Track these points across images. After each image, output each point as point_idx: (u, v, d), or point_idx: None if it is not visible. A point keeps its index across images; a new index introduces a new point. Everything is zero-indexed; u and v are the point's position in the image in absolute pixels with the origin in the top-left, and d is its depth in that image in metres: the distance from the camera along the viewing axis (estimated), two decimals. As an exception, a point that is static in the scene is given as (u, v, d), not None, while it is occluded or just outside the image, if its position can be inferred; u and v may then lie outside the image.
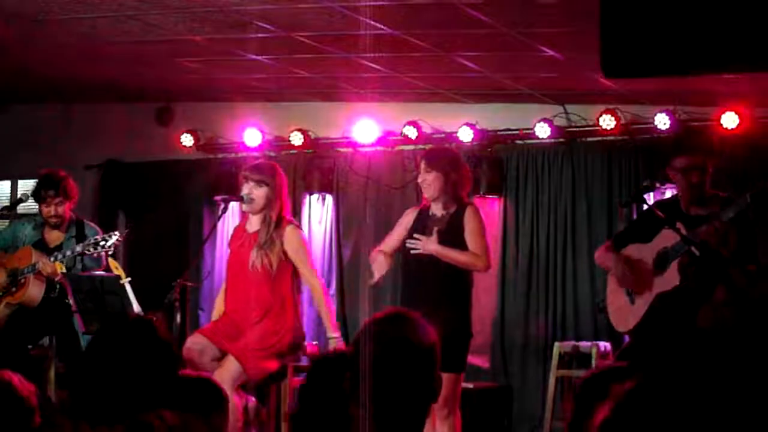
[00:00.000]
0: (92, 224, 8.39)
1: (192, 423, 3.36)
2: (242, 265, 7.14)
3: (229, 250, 7.48)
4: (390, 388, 3.01)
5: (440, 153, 7.35)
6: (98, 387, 3.38)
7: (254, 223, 7.19)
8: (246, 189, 7.12)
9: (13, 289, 8.03)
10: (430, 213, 7.11)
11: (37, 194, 8.17)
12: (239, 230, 7.36)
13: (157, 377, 3.44)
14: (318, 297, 7.18)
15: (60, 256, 7.84)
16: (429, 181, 7.04)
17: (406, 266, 7.22)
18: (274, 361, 7.07)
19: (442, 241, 6.94)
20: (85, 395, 3.40)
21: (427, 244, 6.97)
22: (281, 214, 7.14)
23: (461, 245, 6.94)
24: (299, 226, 7.38)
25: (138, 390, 3.36)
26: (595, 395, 3.17)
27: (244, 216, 7.46)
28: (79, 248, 7.74)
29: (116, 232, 7.75)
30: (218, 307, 7.41)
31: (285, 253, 7.08)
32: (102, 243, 7.61)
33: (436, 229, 6.97)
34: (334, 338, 7.06)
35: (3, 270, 8.13)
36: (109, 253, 7.71)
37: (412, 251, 7.03)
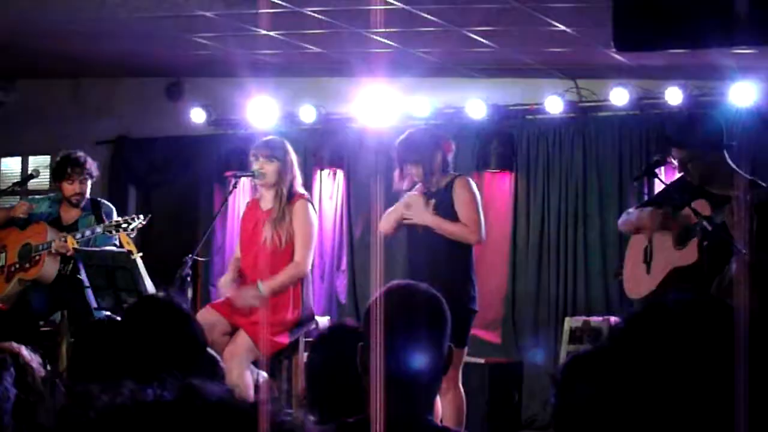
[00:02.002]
0: (106, 202, 8.46)
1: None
2: (255, 241, 7.18)
3: (241, 227, 7.51)
4: (400, 361, 3.03)
5: (412, 145, 7.28)
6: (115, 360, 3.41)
7: (267, 200, 7.22)
8: (257, 165, 7.16)
9: (27, 265, 8.06)
10: (428, 189, 7.23)
11: (60, 173, 8.21)
12: (252, 207, 7.39)
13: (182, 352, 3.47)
14: (288, 272, 7.08)
15: (79, 236, 7.86)
16: (414, 173, 7.12)
17: (409, 246, 7.30)
18: (285, 336, 7.09)
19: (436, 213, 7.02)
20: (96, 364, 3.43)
21: (422, 215, 7.03)
22: (293, 190, 7.17)
23: (453, 218, 7.00)
24: (311, 202, 7.37)
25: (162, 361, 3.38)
26: (579, 378, 3.17)
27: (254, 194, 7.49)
28: (99, 229, 7.78)
29: (140, 216, 7.77)
30: (227, 276, 7.44)
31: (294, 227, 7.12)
32: (124, 226, 7.63)
33: (432, 201, 7.04)
34: (261, 290, 6.99)
35: (15, 247, 8.15)
36: (131, 236, 7.73)
37: (405, 221, 7.10)
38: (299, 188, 7.25)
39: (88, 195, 8.28)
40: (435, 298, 3.19)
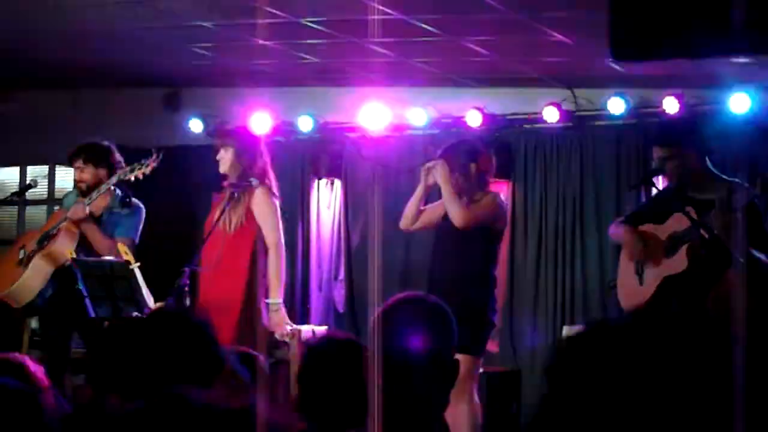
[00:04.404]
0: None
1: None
2: (209, 224, 7.39)
3: None
4: (405, 374, 3.02)
5: (456, 148, 7.49)
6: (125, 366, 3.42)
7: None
8: (219, 153, 7.39)
9: (45, 242, 8.01)
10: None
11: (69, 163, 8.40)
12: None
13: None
14: (272, 261, 7.25)
15: (95, 195, 7.88)
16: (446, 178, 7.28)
17: (435, 247, 7.41)
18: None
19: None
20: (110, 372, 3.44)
21: (439, 176, 7.31)
22: (252, 174, 7.28)
23: (484, 229, 7.30)
24: (271, 190, 7.45)
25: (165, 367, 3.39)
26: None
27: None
28: (114, 179, 7.82)
29: (151, 155, 7.84)
30: None
31: (249, 214, 7.21)
32: (138, 167, 7.70)
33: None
34: (276, 303, 7.13)
35: (34, 239, 8.13)
36: (146, 173, 7.86)
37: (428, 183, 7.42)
38: (260, 176, 7.37)
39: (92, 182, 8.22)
40: (441, 310, 3.18)
